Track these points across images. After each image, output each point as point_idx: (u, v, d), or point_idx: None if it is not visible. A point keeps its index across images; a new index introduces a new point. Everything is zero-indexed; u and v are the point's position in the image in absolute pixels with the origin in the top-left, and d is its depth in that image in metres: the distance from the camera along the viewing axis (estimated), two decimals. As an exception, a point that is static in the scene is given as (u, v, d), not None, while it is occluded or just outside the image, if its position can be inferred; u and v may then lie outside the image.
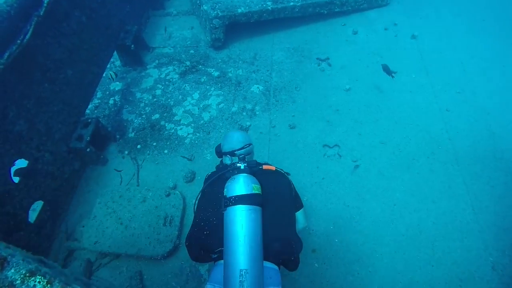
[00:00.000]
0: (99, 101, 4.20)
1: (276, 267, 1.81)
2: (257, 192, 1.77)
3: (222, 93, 4.14)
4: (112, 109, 4.10)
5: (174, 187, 3.38)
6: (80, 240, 3.04)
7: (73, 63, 3.29)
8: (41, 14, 2.77)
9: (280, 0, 4.46)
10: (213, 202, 1.89)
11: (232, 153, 2.12)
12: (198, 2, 4.54)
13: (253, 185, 1.78)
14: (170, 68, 4.49)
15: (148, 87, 4.31)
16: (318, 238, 3.04)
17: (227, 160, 2.15)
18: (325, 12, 4.73)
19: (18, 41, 2.59)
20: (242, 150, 2.12)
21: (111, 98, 4.21)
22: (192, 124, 3.87)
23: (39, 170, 2.91)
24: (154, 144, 3.74)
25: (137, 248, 2.92)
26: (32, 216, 2.87)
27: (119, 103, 4.15)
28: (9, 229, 2.61)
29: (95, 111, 4.10)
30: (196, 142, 3.72)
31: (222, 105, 4.03)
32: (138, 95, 4.23)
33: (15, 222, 2.65)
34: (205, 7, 4.30)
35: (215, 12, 4.21)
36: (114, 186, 3.38)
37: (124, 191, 3.27)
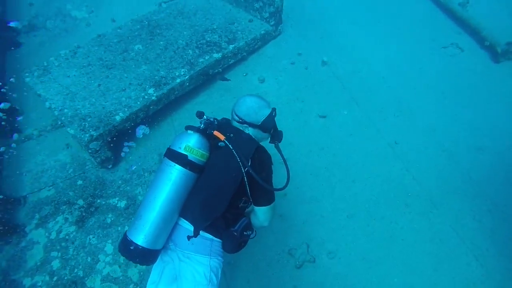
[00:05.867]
0: (-28, 318, 2.90)
1: (207, 235, 1.80)
2: (186, 153, 1.73)
3: (141, 230, 3.14)
4: (-4, 323, 2.85)
5: None
6: None
7: None
8: None
9: (163, 81, 3.54)
10: None
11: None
12: (60, 122, 3.40)
13: (186, 144, 1.74)
14: (60, 219, 3.30)
15: (38, 263, 3.08)
16: None
17: None
18: (220, 70, 3.94)
19: None
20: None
21: (-11, 305, 2.93)
22: (120, 296, 2.85)
23: None
24: None
25: None
26: None
27: (3, 308, 2.91)
28: None
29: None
30: (134, 324, 2.72)
31: (147, 248, 3.04)
32: (28, 281, 3.00)
33: None
34: (72, 131, 3.19)
35: (88, 134, 3.13)
36: None
37: None
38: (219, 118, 2.01)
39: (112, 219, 3.25)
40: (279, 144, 2.08)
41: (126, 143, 3.45)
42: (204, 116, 1.89)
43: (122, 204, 3.32)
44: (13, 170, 3.71)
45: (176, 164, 1.71)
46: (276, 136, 2.06)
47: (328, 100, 3.78)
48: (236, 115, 1.96)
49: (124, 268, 2.99)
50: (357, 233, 2.94)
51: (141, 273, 2.93)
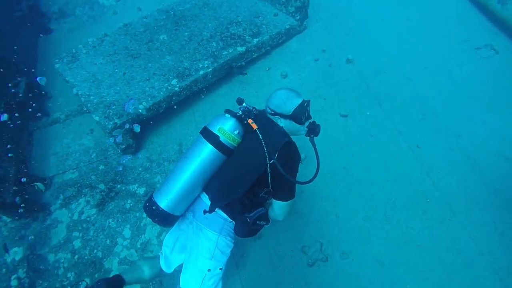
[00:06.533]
0: (-2, 288, 3.09)
1: (222, 214, 1.91)
2: (219, 134, 1.82)
3: (158, 218, 3.23)
4: (21, 294, 3.03)
5: None
6: None
7: None
8: None
9: (186, 73, 3.58)
10: None
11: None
12: (85, 108, 3.51)
13: (221, 126, 1.84)
14: (82, 201, 3.45)
15: (61, 241, 3.25)
16: None
17: None
18: (243, 63, 3.94)
19: None
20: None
21: (13, 277, 3.11)
22: (135, 280, 2.95)
23: None
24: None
25: None
26: None
27: (27, 280, 3.08)
28: None
29: (-4, 307, 2.99)
30: (148, 307, 2.83)
31: (164, 234, 3.13)
32: (52, 257, 3.17)
33: None
34: (97, 118, 3.29)
35: (112, 122, 3.23)
36: None
37: None
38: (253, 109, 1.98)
39: (131, 204, 3.36)
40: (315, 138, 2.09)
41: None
42: (244, 104, 1.94)
43: (141, 191, 3.42)
44: (41, 151, 3.89)
45: (207, 143, 1.82)
46: (312, 129, 2.05)
47: (350, 99, 3.71)
48: (268, 107, 1.99)
49: (140, 252, 3.10)
50: (371, 236, 2.91)
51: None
